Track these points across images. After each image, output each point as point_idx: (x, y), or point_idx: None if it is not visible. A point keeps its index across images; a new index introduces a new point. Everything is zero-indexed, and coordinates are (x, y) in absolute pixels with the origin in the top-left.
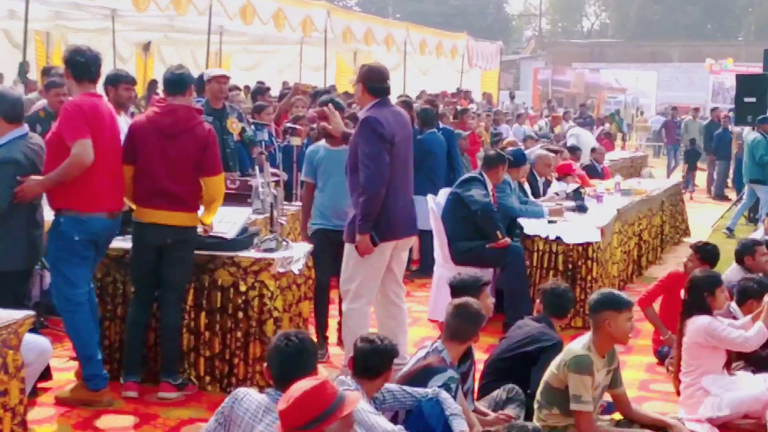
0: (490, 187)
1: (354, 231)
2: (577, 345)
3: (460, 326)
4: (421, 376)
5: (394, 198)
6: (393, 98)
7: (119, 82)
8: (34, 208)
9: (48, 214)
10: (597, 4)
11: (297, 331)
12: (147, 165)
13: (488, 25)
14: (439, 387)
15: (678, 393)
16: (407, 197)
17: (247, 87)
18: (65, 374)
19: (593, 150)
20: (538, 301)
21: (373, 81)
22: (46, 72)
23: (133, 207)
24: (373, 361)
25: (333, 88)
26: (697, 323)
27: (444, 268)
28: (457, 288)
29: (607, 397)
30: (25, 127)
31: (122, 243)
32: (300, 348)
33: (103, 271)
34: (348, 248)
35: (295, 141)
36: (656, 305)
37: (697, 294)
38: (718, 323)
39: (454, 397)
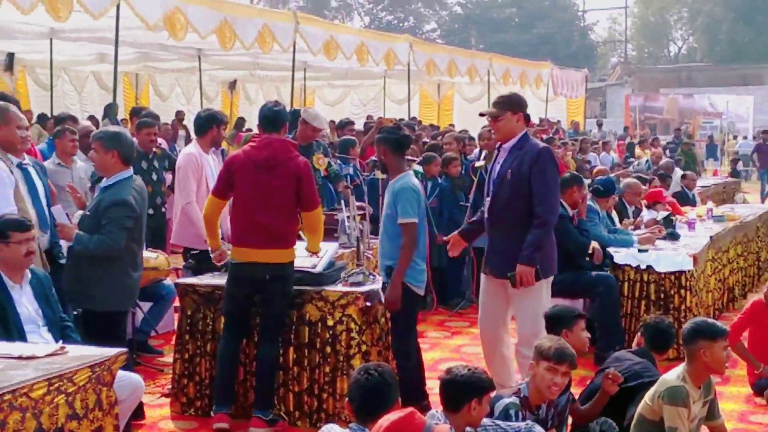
0: (569, 211)
1: (534, 268)
2: (672, 375)
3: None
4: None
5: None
6: (474, 127)
7: (222, 123)
8: (135, 251)
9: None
10: (684, 28)
11: (377, 364)
12: (243, 199)
13: (573, 52)
14: (500, 411)
15: None
16: None
17: (332, 122)
18: (158, 411)
19: (683, 177)
20: (638, 334)
21: (526, 108)
22: (135, 112)
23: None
24: (452, 392)
25: (416, 121)
26: None
27: None
28: (552, 319)
29: (705, 430)
30: (131, 170)
31: (211, 280)
32: (380, 381)
33: (192, 307)
34: (531, 291)
35: (380, 174)
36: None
37: None
38: None
39: None
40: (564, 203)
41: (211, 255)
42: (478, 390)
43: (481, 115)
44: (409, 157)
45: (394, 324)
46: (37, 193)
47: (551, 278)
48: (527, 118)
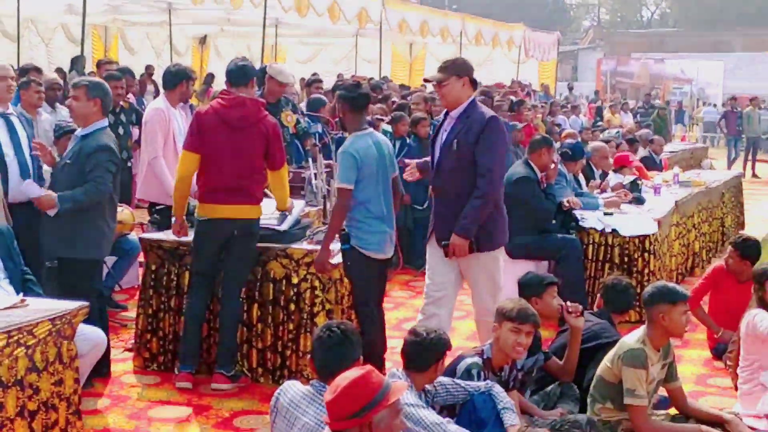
0: (538, 173)
1: (468, 240)
2: (632, 338)
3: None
4: (453, 362)
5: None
6: None
7: (191, 79)
8: (114, 200)
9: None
10: None
11: (339, 322)
12: (214, 157)
13: (546, 15)
14: (462, 371)
15: (736, 388)
16: None
17: (302, 79)
18: (120, 365)
19: (651, 142)
20: (598, 296)
21: (473, 73)
22: (100, 64)
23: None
24: (419, 354)
25: (387, 80)
26: (749, 316)
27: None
28: (522, 287)
29: (663, 392)
30: (107, 120)
31: (173, 236)
32: (342, 339)
33: (157, 262)
34: (493, 258)
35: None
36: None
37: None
38: (763, 315)
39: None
40: (533, 165)
41: (172, 224)
42: (442, 351)
43: (425, 80)
44: (378, 116)
45: (352, 288)
46: (20, 142)
47: (501, 249)
48: (474, 83)
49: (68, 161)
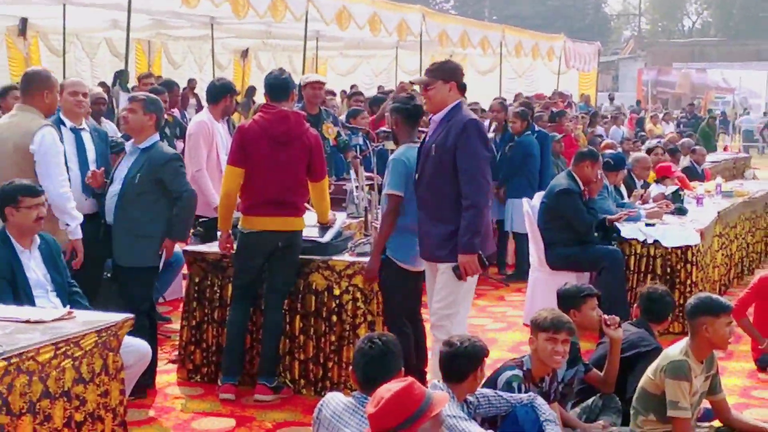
0: (581, 185)
1: (454, 249)
2: (675, 350)
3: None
4: (493, 374)
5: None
6: (489, 101)
7: (236, 93)
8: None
9: None
10: (699, 2)
11: (381, 334)
12: (258, 171)
13: (587, 25)
14: (503, 384)
15: None
16: None
17: (343, 92)
18: (164, 377)
19: (693, 151)
20: (635, 305)
21: (461, 77)
22: (141, 78)
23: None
24: (456, 364)
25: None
26: None
27: (539, 273)
28: (560, 299)
29: (706, 404)
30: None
31: (217, 248)
32: (384, 350)
33: (200, 275)
34: (446, 271)
35: (390, 145)
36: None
37: None
38: None
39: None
40: (576, 177)
41: (218, 238)
42: (479, 359)
43: (412, 83)
44: (422, 129)
45: (384, 301)
46: (86, 157)
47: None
48: (462, 87)
49: (138, 173)
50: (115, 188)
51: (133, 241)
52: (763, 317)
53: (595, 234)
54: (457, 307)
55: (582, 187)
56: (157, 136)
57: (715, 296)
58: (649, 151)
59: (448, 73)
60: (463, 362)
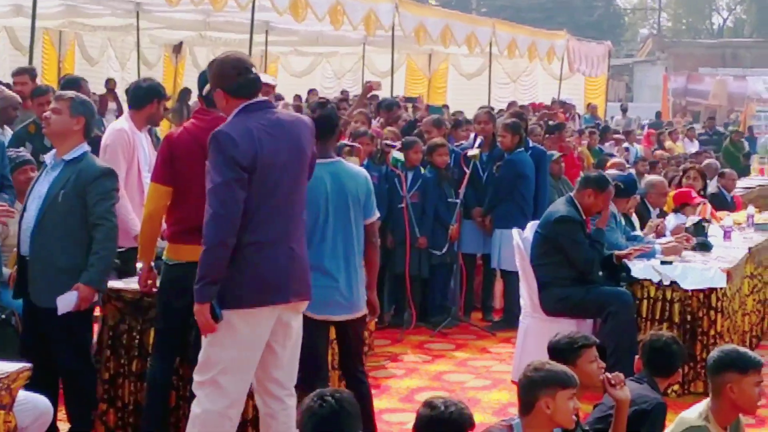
0: (582, 213)
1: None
2: (693, 414)
3: (520, 396)
4: None
5: (267, 247)
6: (473, 110)
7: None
8: None
9: None
10: None
11: (334, 390)
12: (188, 190)
13: (595, 21)
14: None
15: None
16: (291, 245)
17: (298, 96)
18: None
19: (721, 175)
20: (637, 357)
21: (230, 78)
22: (15, 75)
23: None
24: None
25: (401, 99)
26: None
27: (532, 319)
28: (553, 353)
29: None
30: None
31: (137, 285)
32: (337, 410)
33: (116, 317)
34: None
35: (352, 161)
36: None
37: None
38: None
39: None
40: (578, 204)
41: (138, 272)
42: (463, 429)
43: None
44: (388, 142)
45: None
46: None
47: (250, 310)
48: (232, 91)
49: (62, 190)
50: (31, 212)
51: (52, 277)
52: None
53: (600, 273)
54: (211, 374)
55: (584, 217)
56: (86, 146)
57: (742, 349)
58: (683, 173)
59: (216, 80)
60: (445, 430)
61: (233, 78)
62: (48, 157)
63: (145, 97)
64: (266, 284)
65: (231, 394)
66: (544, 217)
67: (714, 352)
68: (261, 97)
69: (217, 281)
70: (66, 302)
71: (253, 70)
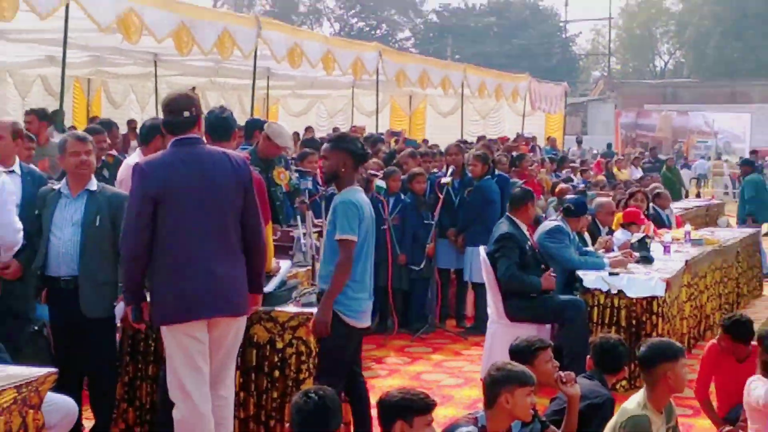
0: (524, 228)
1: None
2: (632, 404)
3: (484, 391)
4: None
5: (184, 268)
6: (447, 142)
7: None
8: None
9: None
10: (671, 42)
11: (318, 388)
12: None
13: (554, 65)
14: None
15: None
16: (210, 265)
17: (296, 133)
18: None
19: (657, 196)
20: (588, 356)
21: (165, 116)
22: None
23: None
24: (380, 414)
25: (387, 134)
26: (747, 384)
27: (498, 325)
28: (513, 355)
29: None
30: None
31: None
32: (321, 405)
33: (133, 328)
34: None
35: None
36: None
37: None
38: (758, 384)
39: None
40: (516, 220)
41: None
42: (404, 411)
43: None
44: (373, 171)
45: (320, 358)
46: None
47: (178, 326)
48: (167, 126)
49: (98, 216)
50: (66, 238)
51: (97, 291)
52: (722, 389)
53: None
54: (173, 382)
55: (528, 231)
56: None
57: (666, 340)
58: (630, 196)
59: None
60: (385, 412)
61: (166, 117)
62: (62, 187)
63: (149, 134)
64: (185, 302)
65: (193, 393)
66: (491, 238)
67: (643, 349)
68: (191, 134)
69: (132, 289)
70: (119, 312)
71: (186, 112)
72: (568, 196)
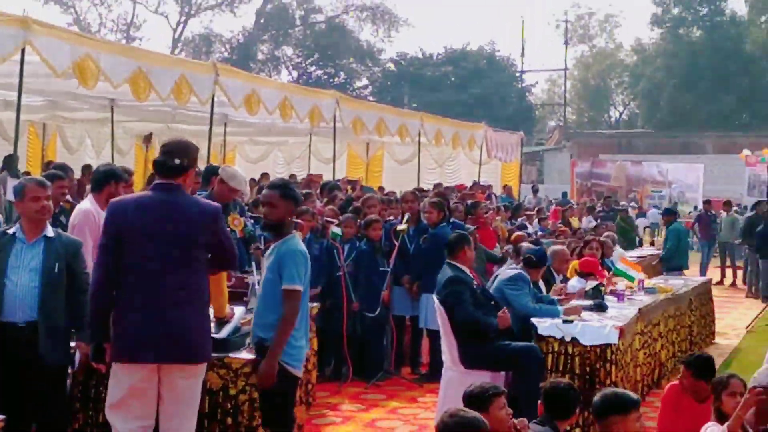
0: (467, 270)
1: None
2: None
3: None
4: None
5: (128, 307)
6: (403, 189)
7: (120, 180)
8: None
9: None
10: (625, 93)
11: None
12: None
13: (511, 114)
14: None
15: None
16: (164, 310)
17: (252, 180)
18: None
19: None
20: (539, 402)
21: (160, 155)
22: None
23: None
24: None
25: (342, 182)
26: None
27: (453, 372)
28: (468, 399)
29: None
30: None
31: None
32: None
33: (85, 373)
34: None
35: (297, 235)
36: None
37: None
38: (713, 430)
39: None
40: (459, 265)
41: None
42: None
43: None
44: (328, 218)
45: (267, 408)
46: None
47: (119, 364)
48: (155, 167)
49: (57, 263)
50: (24, 283)
51: (55, 336)
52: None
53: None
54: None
55: (470, 273)
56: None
57: (621, 391)
58: (585, 244)
59: None
60: None
61: (159, 156)
62: (17, 231)
63: (102, 180)
64: (130, 343)
65: (121, 428)
66: (437, 285)
67: (596, 398)
68: (173, 181)
69: (94, 325)
70: (78, 357)
71: (177, 159)
72: (526, 245)
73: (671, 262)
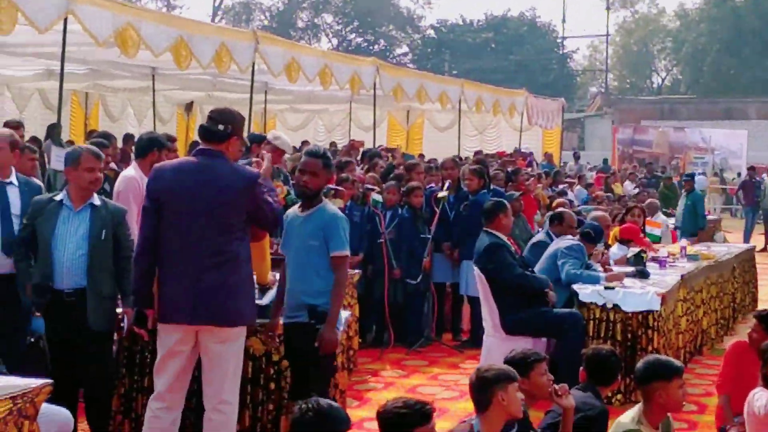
0: (504, 238)
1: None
2: (627, 418)
3: (475, 397)
4: None
5: (168, 270)
6: (444, 157)
7: (164, 147)
8: None
9: None
10: (668, 58)
11: (317, 399)
12: None
13: (551, 81)
14: None
15: None
16: (200, 274)
17: (294, 147)
18: None
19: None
20: (581, 368)
21: (206, 120)
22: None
23: None
24: (385, 428)
25: (383, 148)
26: (750, 396)
27: (494, 338)
28: (509, 365)
29: None
30: None
31: None
32: (320, 417)
33: (131, 339)
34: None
35: (337, 203)
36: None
37: None
38: (761, 395)
39: None
40: (495, 233)
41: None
42: (409, 424)
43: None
44: (370, 185)
45: (319, 374)
46: (9, 213)
47: (161, 324)
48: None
49: (104, 230)
50: (73, 249)
51: (102, 303)
52: (740, 387)
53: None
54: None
55: (508, 241)
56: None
57: (664, 358)
58: (627, 211)
59: None
60: (389, 426)
61: (205, 122)
62: (64, 199)
63: (146, 147)
64: (169, 305)
65: (158, 388)
66: (474, 254)
67: (639, 364)
68: (216, 147)
69: (137, 290)
70: (126, 324)
71: (221, 125)
72: (586, 220)
73: (684, 228)
